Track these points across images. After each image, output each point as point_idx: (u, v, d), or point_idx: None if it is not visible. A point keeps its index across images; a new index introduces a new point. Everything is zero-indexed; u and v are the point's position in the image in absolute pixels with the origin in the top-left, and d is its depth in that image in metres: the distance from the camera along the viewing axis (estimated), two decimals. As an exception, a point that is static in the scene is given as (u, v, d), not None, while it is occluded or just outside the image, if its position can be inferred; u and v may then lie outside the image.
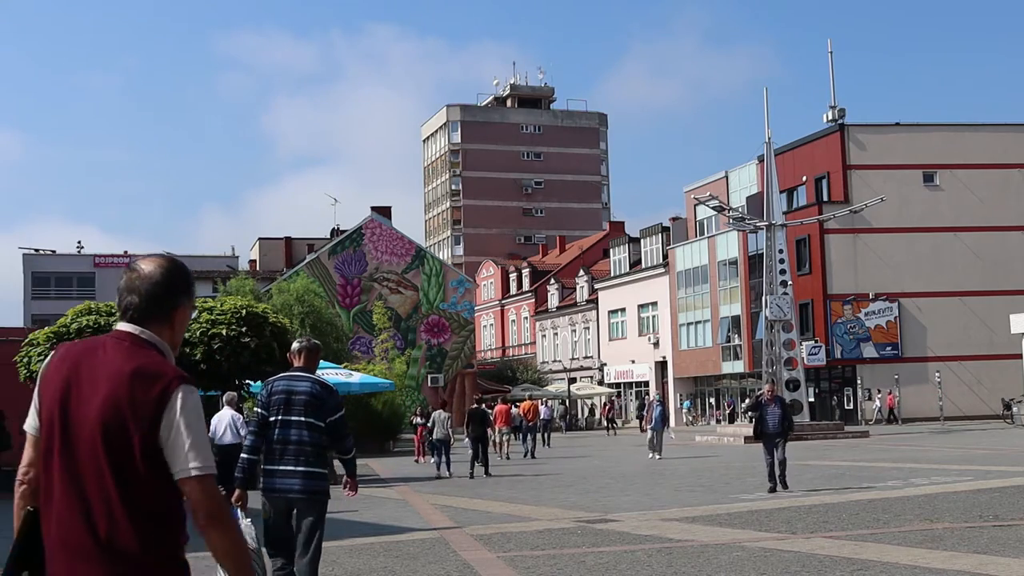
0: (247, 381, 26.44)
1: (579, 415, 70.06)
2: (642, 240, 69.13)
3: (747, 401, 50.82)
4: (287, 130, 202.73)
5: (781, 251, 41.09)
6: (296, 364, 7.54)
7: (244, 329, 23.76)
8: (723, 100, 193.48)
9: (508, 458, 31.50)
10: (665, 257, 65.40)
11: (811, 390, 47.21)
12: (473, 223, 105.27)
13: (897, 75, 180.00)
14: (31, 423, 3.13)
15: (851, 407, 52.79)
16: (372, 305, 60.27)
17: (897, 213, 52.55)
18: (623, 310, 69.91)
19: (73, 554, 2.92)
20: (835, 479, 19.95)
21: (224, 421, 18.30)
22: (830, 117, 55.69)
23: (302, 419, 7.25)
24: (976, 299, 53.11)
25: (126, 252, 78.95)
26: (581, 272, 75.13)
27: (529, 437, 33.94)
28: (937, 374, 48.19)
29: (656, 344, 65.69)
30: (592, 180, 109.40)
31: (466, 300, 66.96)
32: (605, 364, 70.91)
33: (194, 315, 24.70)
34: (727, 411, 57.39)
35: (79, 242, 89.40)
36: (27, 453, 3.12)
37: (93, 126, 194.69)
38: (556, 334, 77.49)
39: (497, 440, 30.79)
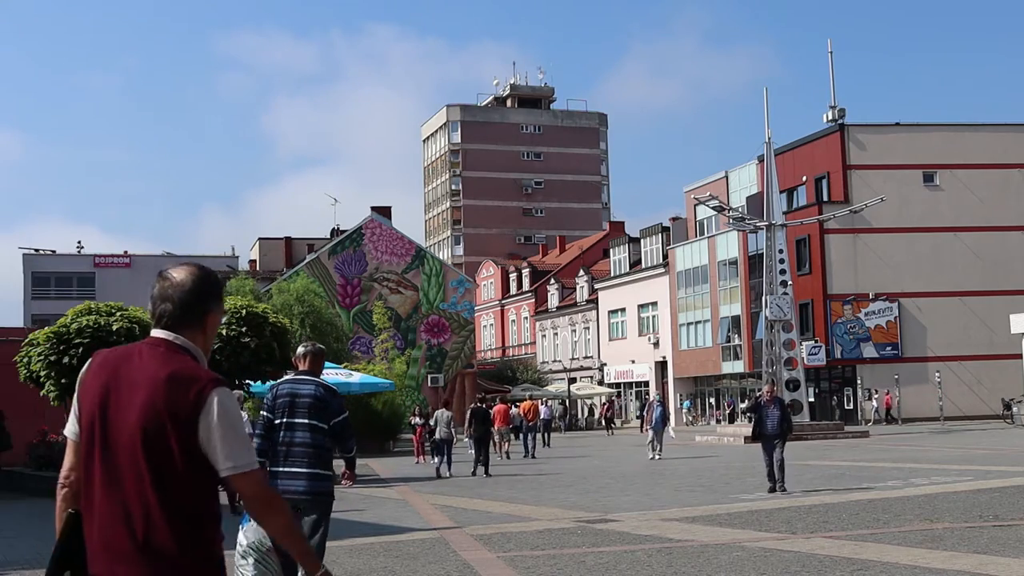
0: (247, 381, 26.45)
1: (579, 415, 70.06)
2: (642, 240, 69.13)
3: (747, 402, 50.92)
4: (287, 130, 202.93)
5: (781, 251, 41.09)
6: (301, 368, 7.68)
7: (244, 329, 23.76)
8: (723, 100, 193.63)
9: (508, 457, 31.54)
10: (665, 257, 65.40)
11: (811, 390, 47.20)
12: (473, 223, 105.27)
13: (897, 75, 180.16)
14: (71, 428, 3.21)
15: (851, 407, 52.78)
16: (372, 305, 60.27)
17: (897, 213, 52.54)
18: (623, 310, 69.91)
19: (114, 555, 3.02)
20: (835, 479, 19.94)
21: None
22: (830, 117, 55.70)
23: (306, 421, 7.35)
24: (976, 299, 53.11)
25: (126, 252, 78.94)
26: (581, 272, 75.13)
27: (529, 437, 33.94)
28: (937, 374, 48.19)
29: (656, 344, 65.69)
30: (592, 180, 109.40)
31: (466, 300, 66.97)
32: (605, 364, 70.92)
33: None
34: (727, 411, 57.39)
35: (79, 242, 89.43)
36: (68, 457, 3.21)
37: (93, 126, 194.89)
38: (556, 334, 77.49)
39: (496, 440, 30.80)
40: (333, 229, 71.65)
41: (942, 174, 54.36)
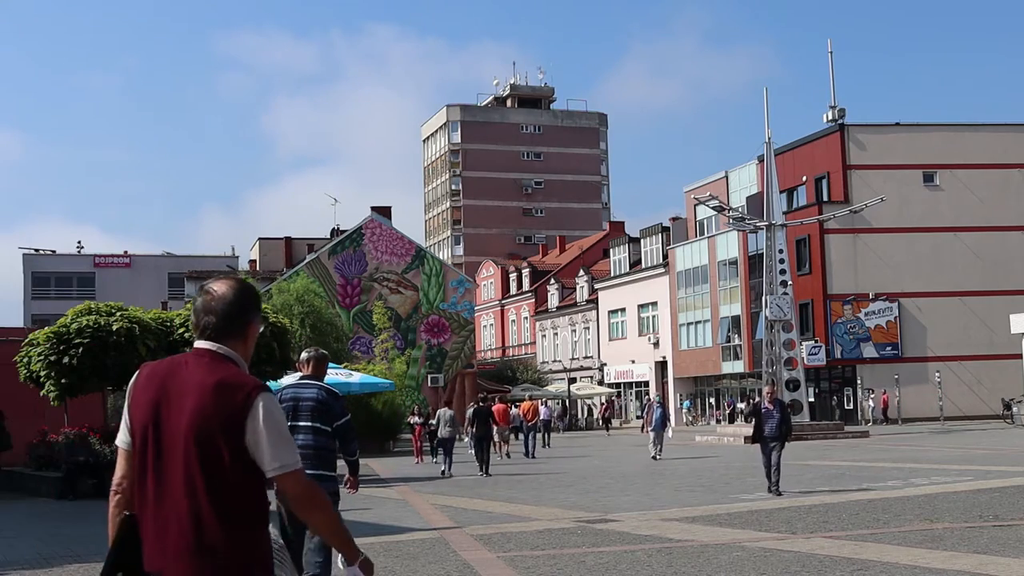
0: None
1: (579, 415, 70.05)
2: (642, 240, 69.12)
3: (746, 404, 50.86)
4: (287, 130, 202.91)
5: (781, 251, 41.09)
6: (304, 372, 7.88)
7: (244, 329, 23.73)
8: (723, 100, 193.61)
9: (508, 456, 31.55)
10: (665, 257, 65.40)
11: (811, 390, 47.19)
12: (473, 223, 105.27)
13: (897, 75, 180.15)
14: (123, 438, 3.39)
15: (851, 407, 52.78)
16: (372, 305, 60.26)
17: (897, 213, 52.55)
18: (623, 310, 69.91)
19: (170, 555, 3.20)
20: (835, 479, 19.94)
21: None
22: (830, 117, 55.70)
23: (309, 424, 7.53)
24: (976, 299, 53.11)
25: (126, 252, 78.99)
26: (581, 272, 75.12)
27: (529, 437, 33.96)
28: (937, 374, 48.19)
29: (656, 344, 65.69)
30: (592, 180, 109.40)
31: (466, 300, 66.95)
32: (605, 364, 70.91)
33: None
34: (727, 411, 57.38)
35: (79, 242, 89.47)
36: (120, 466, 3.39)
37: (93, 126, 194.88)
38: (556, 334, 77.49)
39: (496, 439, 30.81)
40: (333, 229, 71.64)
41: (942, 174, 54.37)
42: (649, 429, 29.11)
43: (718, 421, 56.00)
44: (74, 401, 23.75)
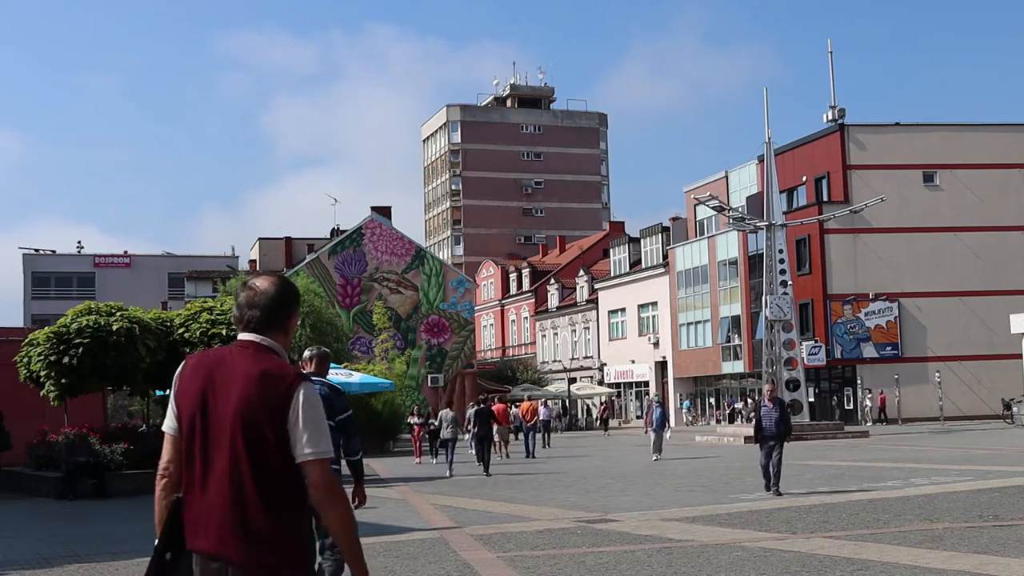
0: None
1: (579, 415, 70.05)
2: (642, 240, 69.11)
3: (745, 404, 50.82)
4: (287, 130, 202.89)
5: (781, 251, 41.08)
6: (307, 370, 7.98)
7: (244, 329, 23.74)
8: (723, 100, 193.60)
9: (508, 456, 31.57)
10: (665, 257, 65.39)
11: (811, 390, 47.19)
12: (473, 223, 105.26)
13: (897, 75, 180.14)
14: (170, 424, 3.57)
15: (851, 407, 52.78)
16: (372, 305, 60.28)
17: (897, 213, 52.54)
18: (623, 310, 69.90)
19: (214, 533, 3.37)
20: (835, 479, 19.94)
21: None
22: (830, 117, 55.69)
23: None
24: (976, 299, 53.11)
25: (126, 252, 79.01)
26: (581, 272, 75.11)
27: (529, 437, 33.98)
28: (937, 374, 48.18)
29: (656, 344, 65.68)
30: (592, 180, 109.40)
31: (466, 300, 66.96)
32: (605, 364, 70.90)
33: (194, 315, 24.79)
34: (727, 411, 57.37)
35: (79, 242, 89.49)
36: (166, 451, 3.57)
37: (93, 126, 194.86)
38: (556, 334, 77.48)
39: (496, 440, 30.83)
40: (333, 229, 71.67)
41: (942, 174, 54.36)
42: (650, 429, 29.10)
43: (718, 421, 55.99)
44: (74, 401, 23.76)
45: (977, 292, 53.25)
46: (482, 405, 28.11)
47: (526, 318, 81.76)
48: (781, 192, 45.54)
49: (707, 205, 52.85)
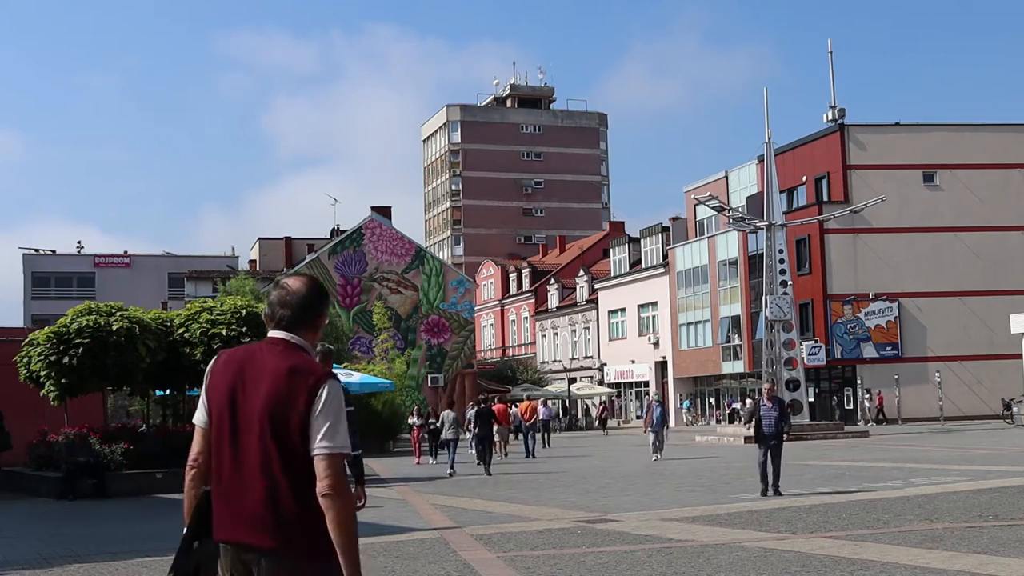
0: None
1: (579, 415, 70.06)
2: (642, 240, 69.11)
3: (744, 404, 50.59)
4: (287, 130, 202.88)
5: (781, 251, 41.07)
6: None
7: (244, 329, 23.75)
8: (723, 100, 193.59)
9: (506, 455, 31.57)
10: (665, 257, 65.39)
11: (811, 390, 47.18)
12: (473, 223, 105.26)
13: (897, 75, 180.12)
14: (200, 417, 3.71)
15: (851, 407, 52.78)
16: (372, 305, 60.27)
17: (897, 213, 52.54)
18: (623, 310, 69.90)
19: (244, 524, 3.49)
20: (835, 479, 19.94)
21: None
22: (830, 117, 55.69)
23: None
24: (976, 299, 53.11)
25: (126, 252, 78.98)
26: (581, 272, 75.12)
27: (529, 437, 33.98)
28: (937, 374, 48.18)
29: (656, 344, 65.68)
30: (592, 180, 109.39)
31: (466, 300, 66.96)
32: (605, 364, 70.90)
33: (194, 315, 24.78)
34: (727, 411, 57.36)
35: (79, 242, 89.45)
36: (196, 442, 3.72)
37: (93, 126, 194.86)
38: (556, 334, 77.48)
39: (497, 439, 30.83)
40: (333, 229, 71.65)
41: (942, 174, 54.36)
42: (650, 429, 29.09)
43: (718, 421, 55.99)
44: (74, 401, 23.76)
45: (977, 292, 53.24)
46: (482, 405, 28.12)
47: (526, 318, 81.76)
48: (781, 192, 45.54)
49: (707, 205, 52.86)
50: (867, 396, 51.71)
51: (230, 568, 3.55)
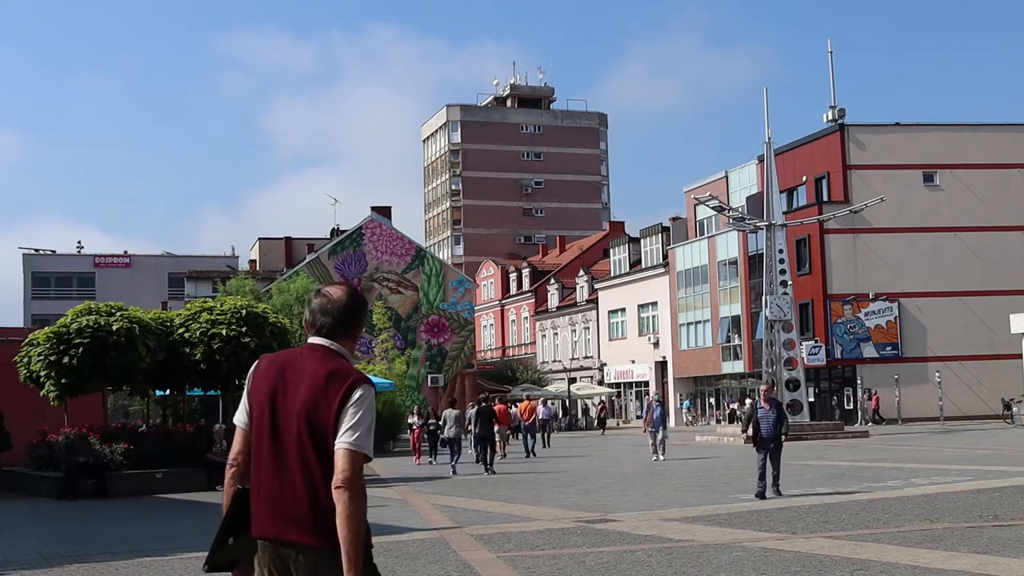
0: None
1: (579, 415, 70.07)
2: (642, 240, 69.11)
3: (740, 406, 50.48)
4: (287, 130, 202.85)
5: (781, 251, 41.06)
6: None
7: (244, 329, 23.76)
8: (723, 100, 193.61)
9: (505, 456, 31.56)
10: (665, 257, 65.39)
11: (811, 390, 47.17)
12: (473, 223, 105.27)
13: (897, 75, 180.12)
14: (241, 418, 3.86)
15: (851, 407, 52.78)
16: (372, 305, 60.23)
17: (897, 213, 52.54)
18: (623, 310, 69.90)
19: (284, 521, 3.63)
20: (835, 479, 19.94)
21: None
22: (830, 117, 55.68)
23: None
24: (976, 299, 53.11)
25: (126, 252, 78.97)
26: (581, 272, 75.12)
27: (529, 437, 33.96)
28: (937, 374, 48.18)
29: (656, 344, 65.68)
30: (592, 180, 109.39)
31: (466, 300, 66.95)
32: (605, 364, 70.90)
33: (194, 315, 24.78)
34: (727, 411, 57.36)
35: (79, 242, 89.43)
36: (237, 442, 3.87)
37: (93, 126, 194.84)
38: (556, 334, 77.49)
39: (497, 439, 30.81)
40: (333, 229, 71.61)
41: (942, 174, 54.36)
42: (650, 430, 29.08)
43: (718, 421, 55.99)
44: (74, 401, 23.77)
45: (977, 292, 53.24)
46: (483, 405, 28.11)
47: (526, 318, 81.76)
48: (781, 192, 45.53)
49: (707, 205, 52.85)
50: (866, 396, 51.69)
51: (268, 564, 3.68)
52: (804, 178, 55.72)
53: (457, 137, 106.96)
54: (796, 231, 49.51)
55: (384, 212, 66.05)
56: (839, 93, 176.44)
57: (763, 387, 18.55)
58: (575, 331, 75.07)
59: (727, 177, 60.88)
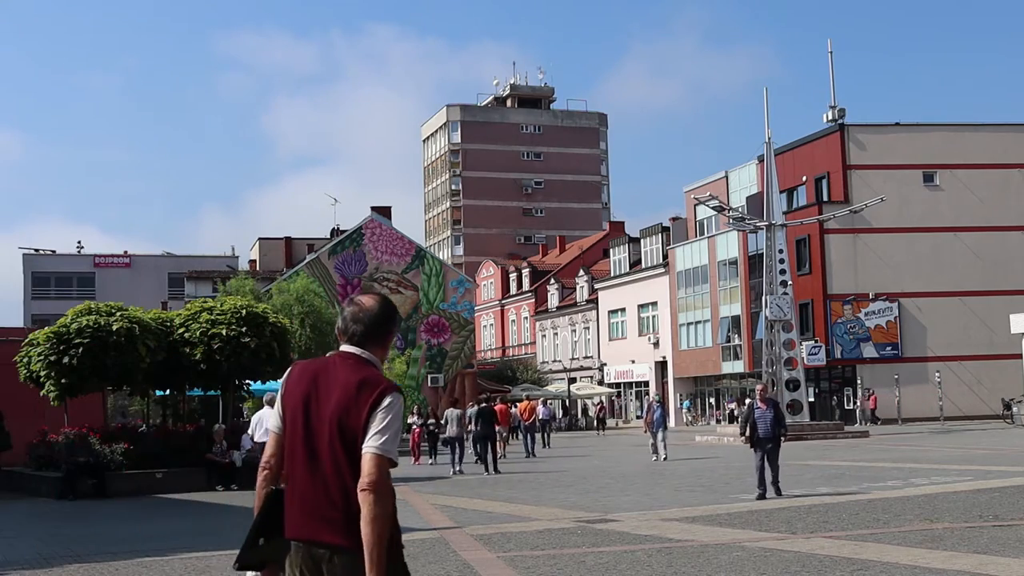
0: (247, 381, 26.39)
1: (579, 415, 70.08)
2: (642, 240, 69.11)
3: (737, 406, 50.42)
4: (287, 130, 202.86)
5: (781, 251, 41.06)
6: None
7: (244, 329, 23.74)
8: (723, 100, 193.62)
9: (504, 456, 31.53)
10: (665, 257, 65.39)
11: (811, 390, 47.18)
12: (473, 223, 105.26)
13: (897, 75, 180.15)
14: (275, 423, 3.97)
15: (851, 407, 52.78)
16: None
17: (897, 213, 52.54)
18: (623, 310, 69.90)
19: (317, 521, 3.74)
20: (835, 479, 19.94)
21: (264, 419, 18.91)
22: (830, 117, 55.69)
23: None
24: (976, 299, 53.11)
25: (126, 252, 78.97)
26: (581, 272, 75.12)
27: (529, 437, 33.95)
28: (937, 374, 48.18)
29: (656, 344, 65.67)
30: (592, 180, 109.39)
31: (466, 300, 66.93)
32: (605, 364, 70.90)
33: (194, 315, 24.78)
34: (727, 411, 57.35)
35: (79, 242, 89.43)
36: (270, 446, 3.98)
37: (93, 126, 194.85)
38: (556, 334, 77.48)
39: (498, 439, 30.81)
40: (333, 229, 71.59)
41: (942, 174, 54.36)
42: (649, 430, 29.06)
43: (718, 421, 55.99)
44: (74, 401, 23.75)
45: (977, 292, 53.25)
46: (483, 404, 28.09)
47: (526, 318, 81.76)
48: (781, 192, 45.54)
49: (707, 205, 52.85)
50: (865, 396, 51.69)
51: (300, 564, 3.77)
52: (804, 178, 55.72)
53: (457, 137, 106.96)
54: (796, 231, 49.51)
55: (384, 212, 66.02)
56: (839, 93, 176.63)
57: (759, 387, 18.58)
58: (575, 331, 75.07)
59: (727, 177, 60.89)
